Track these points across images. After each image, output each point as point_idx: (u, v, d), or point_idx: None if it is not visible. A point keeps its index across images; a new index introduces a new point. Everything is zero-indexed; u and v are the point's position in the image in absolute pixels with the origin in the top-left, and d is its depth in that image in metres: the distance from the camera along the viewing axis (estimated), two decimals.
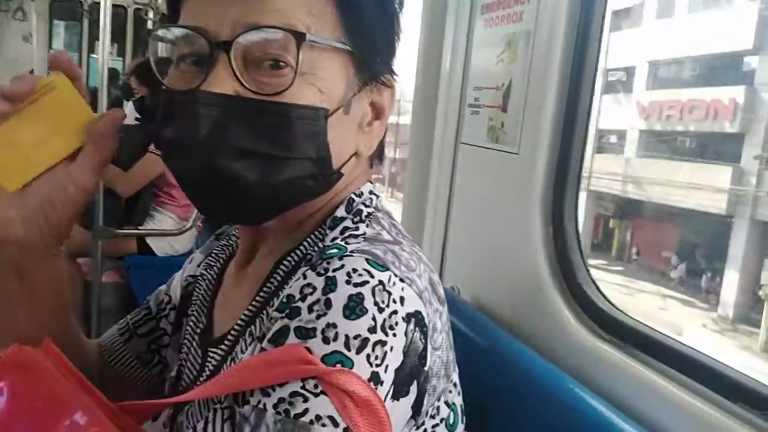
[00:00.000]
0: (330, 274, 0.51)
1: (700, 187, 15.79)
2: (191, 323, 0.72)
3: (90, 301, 2.79)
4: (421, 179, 1.27)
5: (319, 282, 0.50)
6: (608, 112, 18.98)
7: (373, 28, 0.61)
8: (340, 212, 0.63)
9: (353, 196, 0.65)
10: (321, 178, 0.60)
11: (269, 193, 0.57)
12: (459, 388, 0.66)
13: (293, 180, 0.57)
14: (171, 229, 2.90)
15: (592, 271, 0.99)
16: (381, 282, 0.51)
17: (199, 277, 0.76)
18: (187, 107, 0.54)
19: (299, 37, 0.54)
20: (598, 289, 0.95)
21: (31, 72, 7.51)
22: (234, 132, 0.53)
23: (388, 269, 0.52)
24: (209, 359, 0.66)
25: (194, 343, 0.70)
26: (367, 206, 0.64)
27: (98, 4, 2.66)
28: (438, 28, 1.25)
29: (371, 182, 0.69)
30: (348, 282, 0.50)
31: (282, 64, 0.55)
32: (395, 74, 0.66)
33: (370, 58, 0.61)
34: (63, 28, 8.72)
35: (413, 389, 0.53)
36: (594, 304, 0.93)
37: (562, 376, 0.85)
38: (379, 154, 0.70)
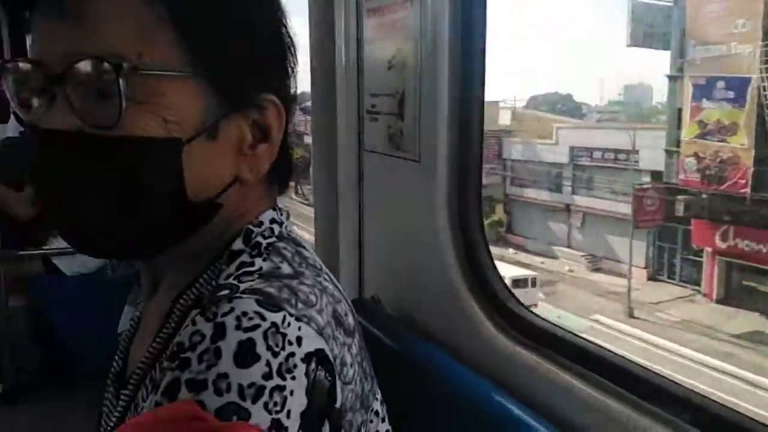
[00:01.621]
0: (219, 320, 0.48)
1: None
2: (113, 366, 0.71)
3: None
4: (330, 189, 1.25)
5: (208, 329, 0.48)
6: None
7: (229, 50, 0.57)
8: (237, 245, 0.60)
9: (251, 226, 0.62)
10: (179, 211, 0.57)
11: (124, 231, 0.56)
12: (383, 413, 0.66)
13: (142, 215, 0.55)
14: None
15: None
16: (274, 324, 0.49)
17: (125, 332, 0.74)
18: (33, 145, 0.55)
19: (118, 67, 0.51)
20: (511, 293, 0.98)
21: None
22: (71, 171, 0.54)
23: (281, 309, 0.50)
24: (120, 402, 0.64)
25: (111, 386, 0.69)
26: (266, 237, 0.61)
27: None
28: (326, 31, 1.21)
29: (275, 208, 0.65)
30: (237, 327, 0.48)
31: (112, 93, 0.52)
32: (278, 92, 0.61)
33: (232, 81, 0.57)
34: None
35: (326, 429, 0.52)
36: (507, 307, 0.96)
37: (481, 381, 0.88)
38: (282, 178, 0.66)
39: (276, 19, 0.61)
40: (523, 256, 18.92)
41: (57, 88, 0.52)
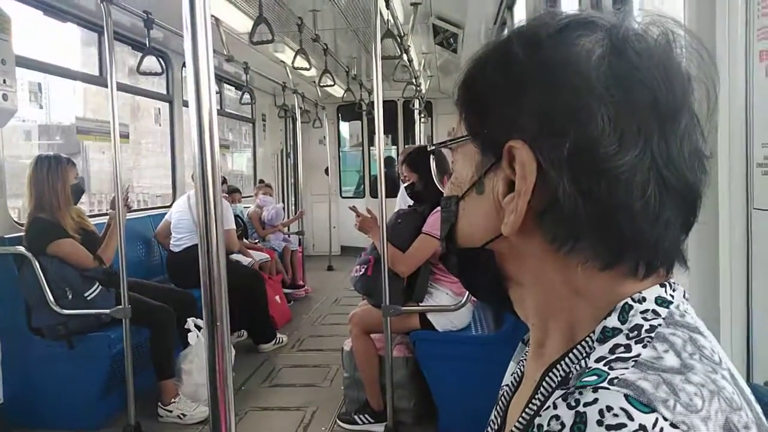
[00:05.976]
0: (580, 409, 0.46)
1: None
2: (493, 418, 0.74)
3: (383, 374, 3.06)
4: (710, 252, 1.12)
5: (568, 417, 0.46)
6: None
7: (485, 106, 0.60)
8: (612, 321, 0.55)
9: (630, 301, 0.55)
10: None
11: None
12: None
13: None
14: (448, 304, 3.03)
15: None
16: (642, 427, 0.44)
17: (506, 386, 0.76)
18: None
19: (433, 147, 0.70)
20: None
21: (326, 170, 8.85)
22: None
23: (654, 410, 0.45)
24: None
25: None
26: (648, 319, 0.54)
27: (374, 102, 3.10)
28: None
29: (665, 284, 0.56)
30: (600, 423, 0.44)
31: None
32: (519, 140, 0.56)
33: (486, 135, 0.60)
34: (347, 128, 10.19)
35: None
36: None
37: None
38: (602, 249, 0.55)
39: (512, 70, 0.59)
40: None
41: None
